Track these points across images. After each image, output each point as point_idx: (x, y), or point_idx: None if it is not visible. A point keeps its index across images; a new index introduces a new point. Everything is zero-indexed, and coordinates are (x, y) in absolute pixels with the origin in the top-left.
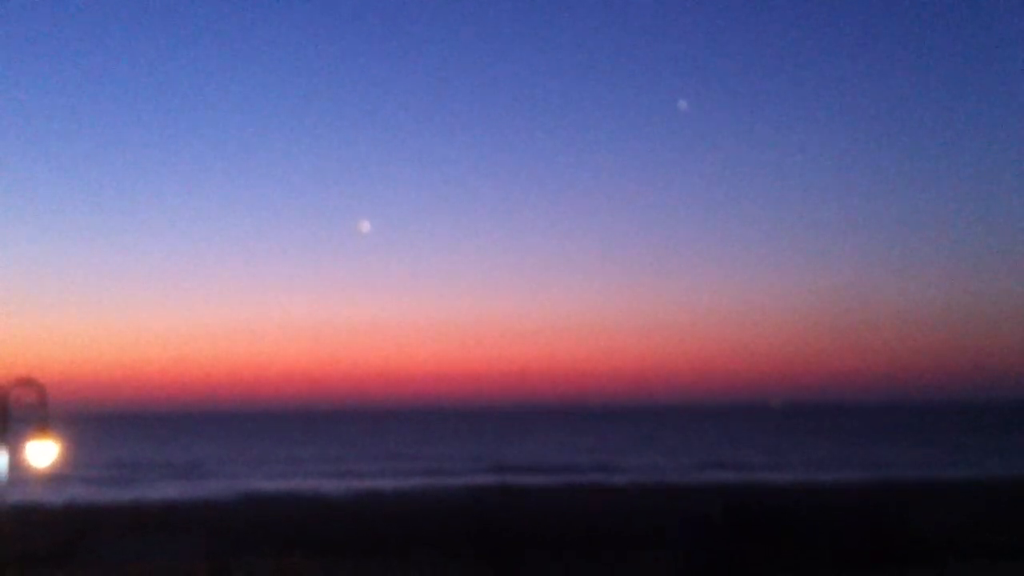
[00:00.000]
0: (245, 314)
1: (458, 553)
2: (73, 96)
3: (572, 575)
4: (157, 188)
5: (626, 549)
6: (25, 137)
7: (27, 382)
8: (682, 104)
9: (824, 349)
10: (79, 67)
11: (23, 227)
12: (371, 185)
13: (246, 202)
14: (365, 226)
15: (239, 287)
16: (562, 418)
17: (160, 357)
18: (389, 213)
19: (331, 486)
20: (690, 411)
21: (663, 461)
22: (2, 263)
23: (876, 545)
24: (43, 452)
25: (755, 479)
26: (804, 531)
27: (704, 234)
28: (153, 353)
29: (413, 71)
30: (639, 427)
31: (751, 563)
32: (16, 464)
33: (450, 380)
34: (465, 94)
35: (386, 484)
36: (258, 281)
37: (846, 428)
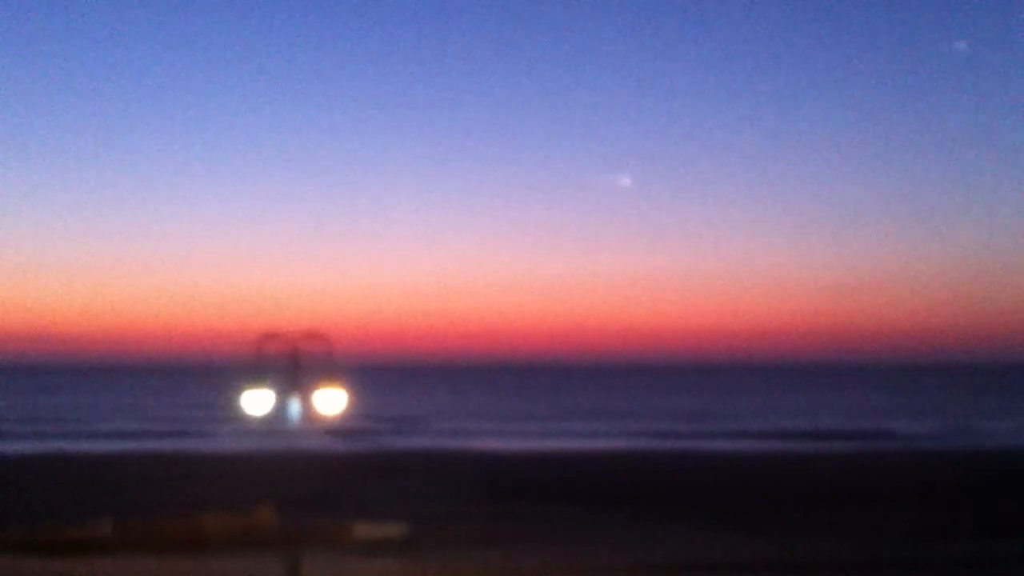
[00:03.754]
0: (504, 268)
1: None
2: None
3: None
4: (410, 149)
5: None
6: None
7: (314, 334)
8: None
9: None
10: None
11: (313, 192)
12: (630, 138)
13: (499, 157)
14: (625, 180)
15: (499, 242)
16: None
17: (428, 310)
18: (648, 167)
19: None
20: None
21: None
22: (294, 223)
23: None
24: (332, 400)
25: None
26: None
27: None
28: (424, 306)
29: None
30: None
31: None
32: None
33: (701, 335)
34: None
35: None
36: (517, 236)
37: None
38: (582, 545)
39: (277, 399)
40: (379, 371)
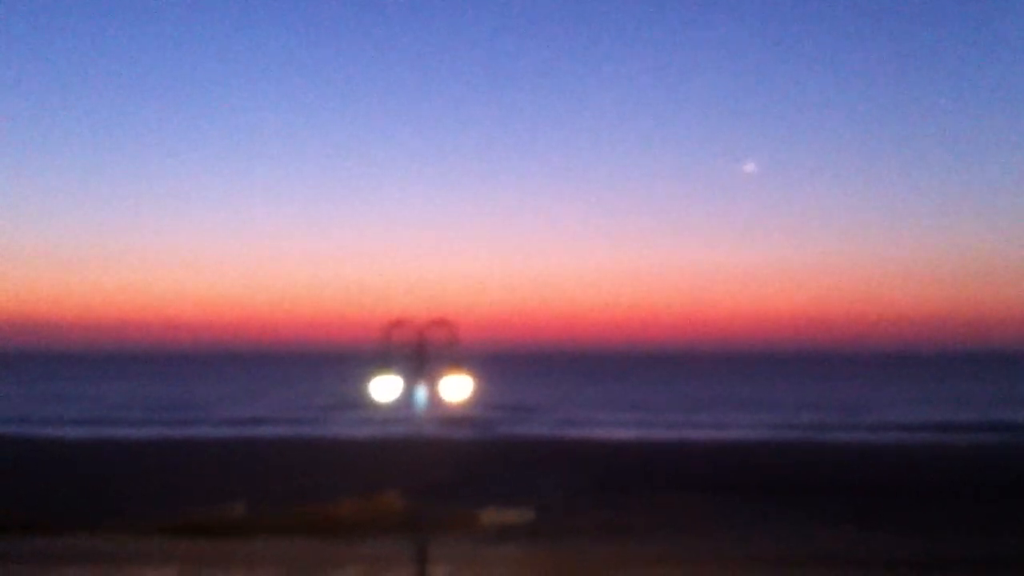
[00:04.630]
0: (628, 257)
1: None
2: None
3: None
4: (537, 140)
5: None
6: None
7: (441, 322)
8: None
9: None
10: None
11: (441, 183)
12: (755, 125)
13: (624, 148)
14: (750, 167)
15: (622, 229)
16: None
17: (553, 299)
18: (774, 153)
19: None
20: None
21: None
22: (422, 214)
23: None
24: (458, 387)
25: None
26: None
27: None
28: (547, 295)
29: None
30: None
31: None
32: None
33: (832, 324)
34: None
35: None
36: (641, 224)
37: None
38: (706, 536)
39: (404, 386)
40: (503, 359)
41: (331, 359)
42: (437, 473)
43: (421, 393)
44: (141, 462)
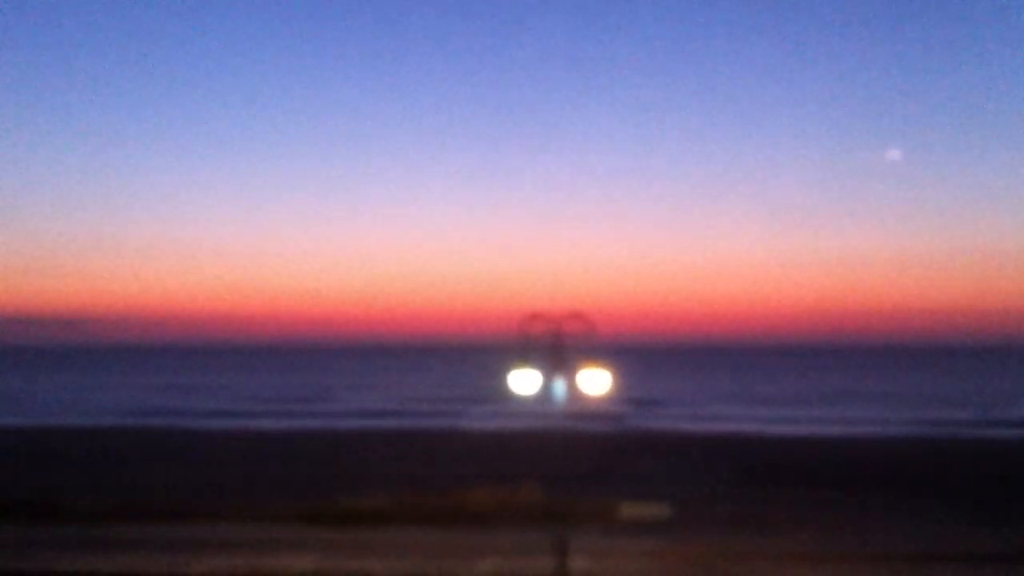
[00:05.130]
0: (763, 248)
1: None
2: None
3: None
4: (671, 133)
5: None
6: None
7: (577, 315)
8: None
9: None
10: None
11: (579, 177)
12: (898, 113)
13: (765, 133)
14: (894, 154)
15: (758, 220)
16: None
17: (692, 292)
18: (918, 141)
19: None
20: None
21: None
22: (560, 208)
23: None
24: (595, 380)
25: None
26: None
27: None
28: (681, 288)
29: None
30: None
31: None
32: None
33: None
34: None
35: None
36: (779, 213)
37: None
38: (838, 531)
39: (543, 379)
40: (636, 352)
41: (469, 352)
42: (574, 466)
43: (560, 386)
44: (280, 452)
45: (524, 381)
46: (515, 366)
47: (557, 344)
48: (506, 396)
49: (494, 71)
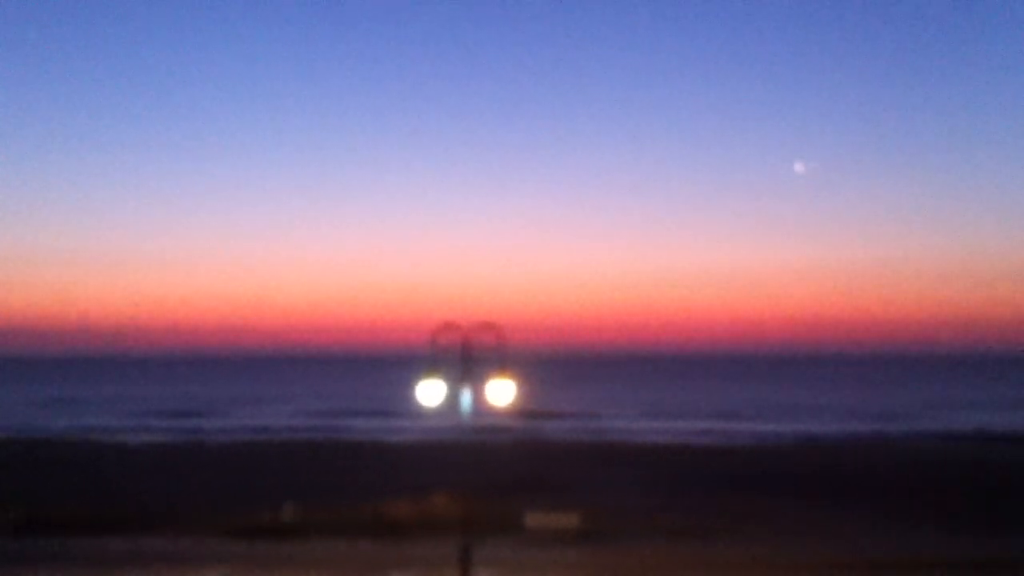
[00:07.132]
0: (675, 259)
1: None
2: None
3: None
4: (585, 145)
5: None
6: None
7: (487, 326)
8: None
9: None
10: None
11: (489, 189)
12: (805, 125)
13: (679, 145)
14: (800, 167)
15: (668, 231)
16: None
17: (598, 303)
18: (824, 154)
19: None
20: None
21: None
22: (470, 219)
23: None
24: (503, 391)
25: None
26: None
27: None
28: (593, 299)
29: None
30: None
31: None
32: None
33: (887, 325)
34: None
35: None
36: (690, 226)
37: None
38: (752, 538)
39: (450, 390)
40: (550, 363)
41: (379, 363)
42: (486, 476)
43: (467, 397)
44: (180, 465)
45: (431, 392)
46: (424, 376)
47: (467, 355)
48: (416, 407)
49: (394, 78)
